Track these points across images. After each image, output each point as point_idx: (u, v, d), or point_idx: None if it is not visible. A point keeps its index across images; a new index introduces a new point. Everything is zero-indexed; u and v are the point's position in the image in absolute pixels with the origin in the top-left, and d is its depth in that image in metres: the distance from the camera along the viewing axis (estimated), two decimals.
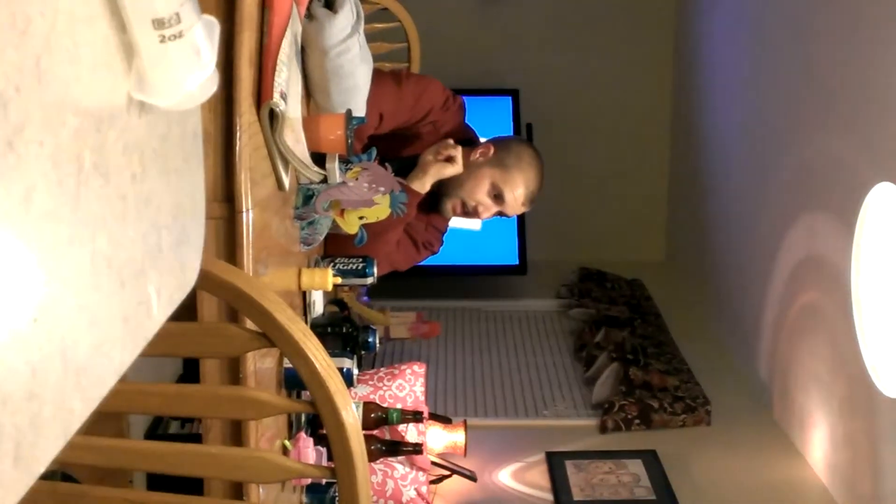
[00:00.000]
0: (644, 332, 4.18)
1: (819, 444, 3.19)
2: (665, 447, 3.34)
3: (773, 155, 3.72)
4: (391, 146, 2.46)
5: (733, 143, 4.30)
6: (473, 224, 3.32)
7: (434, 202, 2.88)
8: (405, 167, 2.75)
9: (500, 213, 2.90)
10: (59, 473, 1.97)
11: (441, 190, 2.84)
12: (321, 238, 2.30)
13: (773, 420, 3.56)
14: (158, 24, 0.90)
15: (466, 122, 3.01)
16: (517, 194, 2.85)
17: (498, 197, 2.84)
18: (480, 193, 2.84)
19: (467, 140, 2.93)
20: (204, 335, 1.57)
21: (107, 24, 0.89)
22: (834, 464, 3.08)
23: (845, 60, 3.04)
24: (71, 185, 0.83)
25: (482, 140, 2.98)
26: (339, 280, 2.34)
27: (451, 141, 2.78)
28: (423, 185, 2.74)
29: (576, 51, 5.27)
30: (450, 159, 2.74)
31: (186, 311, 1.22)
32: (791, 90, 3.53)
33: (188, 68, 0.96)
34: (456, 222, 3.07)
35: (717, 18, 4.65)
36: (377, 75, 2.87)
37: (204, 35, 0.96)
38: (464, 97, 2.97)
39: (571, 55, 5.27)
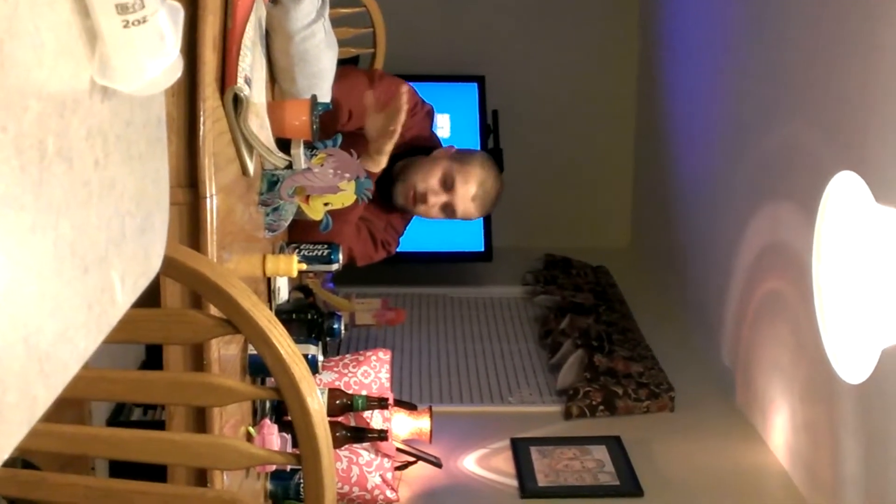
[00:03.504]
0: (609, 318, 4.20)
1: (780, 429, 3.22)
2: (629, 433, 3.37)
3: (737, 143, 3.74)
4: (355, 146, 2.42)
5: (698, 131, 4.33)
6: None
7: (391, 196, 2.87)
8: (384, 181, 2.75)
9: (449, 208, 2.85)
10: (19, 460, 1.96)
11: (397, 175, 2.83)
12: (286, 224, 2.29)
13: (736, 406, 3.60)
14: (122, 8, 0.90)
15: (433, 130, 3.01)
16: (469, 188, 2.82)
17: (449, 187, 2.82)
18: (433, 179, 2.81)
19: (431, 148, 2.92)
20: (167, 321, 1.56)
21: (70, 8, 0.88)
22: (795, 449, 3.12)
23: (809, 51, 3.06)
24: (34, 171, 0.82)
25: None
26: (303, 266, 2.33)
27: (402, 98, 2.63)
28: (377, 162, 2.66)
29: (541, 37, 5.28)
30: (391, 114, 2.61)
31: (150, 297, 1.22)
32: (755, 80, 3.55)
33: (152, 53, 0.95)
34: None
35: (682, 8, 4.67)
36: (351, 72, 2.84)
37: (168, 20, 0.95)
38: (429, 83, 2.96)
39: (537, 42, 5.28)
